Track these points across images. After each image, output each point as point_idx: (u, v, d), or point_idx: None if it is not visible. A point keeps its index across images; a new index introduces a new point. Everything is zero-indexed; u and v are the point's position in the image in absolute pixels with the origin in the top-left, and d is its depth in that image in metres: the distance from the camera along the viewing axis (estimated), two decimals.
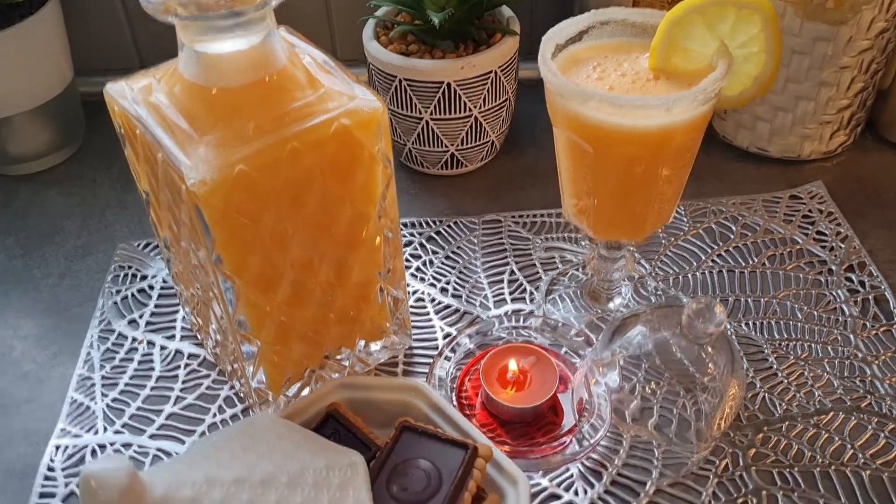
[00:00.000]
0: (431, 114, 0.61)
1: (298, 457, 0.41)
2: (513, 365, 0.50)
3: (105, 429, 0.51)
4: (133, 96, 0.42)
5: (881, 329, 0.55)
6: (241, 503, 0.38)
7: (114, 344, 0.56)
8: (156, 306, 0.58)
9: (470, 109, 0.61)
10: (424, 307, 0.57)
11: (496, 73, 0.60)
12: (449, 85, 0.59)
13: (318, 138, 0.41)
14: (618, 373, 0.48)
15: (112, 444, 0.50)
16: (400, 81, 0.60)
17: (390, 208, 0.47)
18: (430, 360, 0.53)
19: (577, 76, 0.45)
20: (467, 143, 0.64)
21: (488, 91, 0.61)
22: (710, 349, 0.46)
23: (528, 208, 0.64)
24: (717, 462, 0.48)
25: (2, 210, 0.67)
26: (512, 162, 0.69)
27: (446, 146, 0.64)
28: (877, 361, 0.53)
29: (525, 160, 0.69)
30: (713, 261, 0.60)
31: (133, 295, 0.59)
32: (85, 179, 0.70)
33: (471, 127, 0.63)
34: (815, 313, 0.56)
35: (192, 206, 0.39)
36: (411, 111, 0.61)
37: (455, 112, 0.61)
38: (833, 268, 0.59)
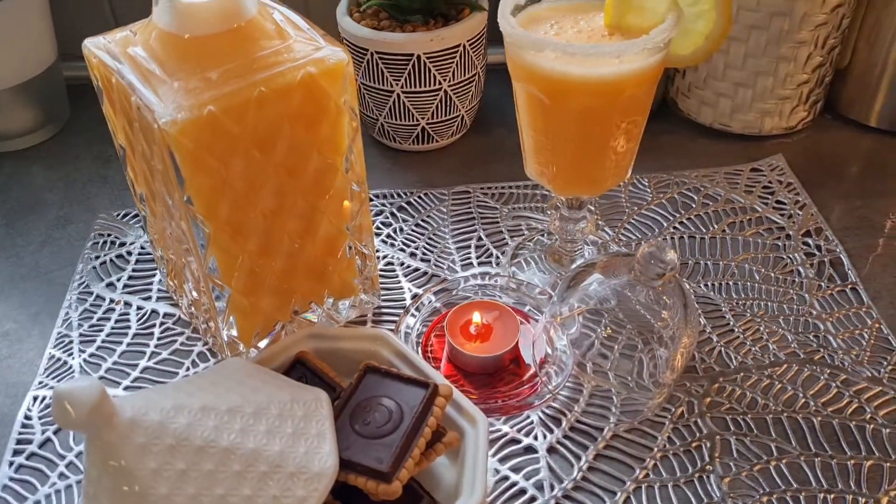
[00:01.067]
0: (402, 87, 0.63)
1: (265, 391, 0.43)
2: (476, 317, 0.52)
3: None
4: (110, 49, 0.44)
5: (836, 289, 0.56)
6: (206, 429, 0.39)
7: (92, 305, 0.58)
8: (133, 270, 0.60)
9: (440, 83, 0.63)
10: (394, 270, 0.59)
11: (464, 46, 0.63)
12: (419, 57, 0.62)
13: (284, 84, 0.43)
14: (577, 326, 0.50)
15: None
16: (372, 55, 0.62)
17: (356, 162, 0.49)
18: (397, 318, 0.55)
19: (535, 32, 0.47)
20: (438, 117, 0.66)
21: (457, 65, 0.63)
22: (665, 298, 0.47)
23: (497, 181, 0.66)
24: (674, 410, 0.49)
25: None
26: (481, 140, 0.71)
27: (417, 120, 0.66)
28: (831, 319, 0.55)
29: (494, 139, 0.71)
30: (675, 228, 0.62)
31: (111, 260, 0.61)
32: (68, 157, 0.72)
33: (441, 100, 0.65)
34: (773, 275, 0.58)
35: (164, 147, 0.41)
36: (383, 84, 0.63)
37: (425, 85, 0.63)
38: (791, 233, 0.61)
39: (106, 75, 0.44)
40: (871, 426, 0.48)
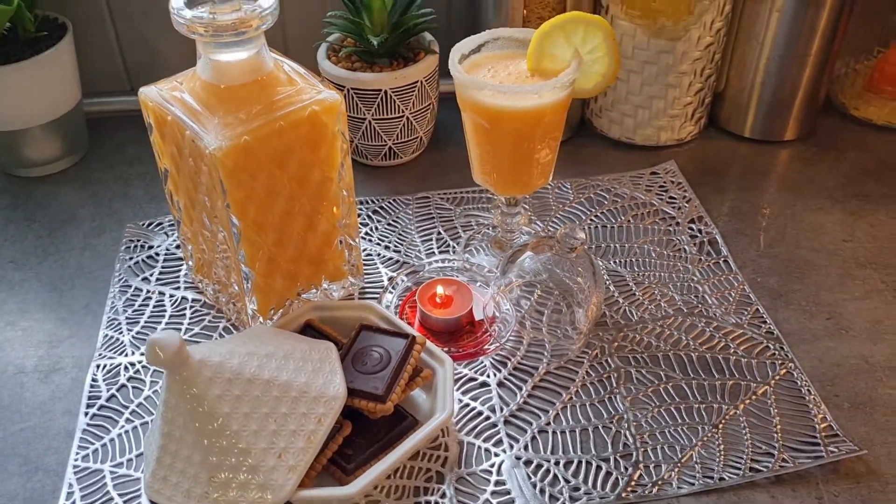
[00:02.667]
0: (373, 115, 0.80)
1: (289, 342, 0.59)
2: (440, 290, 0.68)
3: (133, 352, 0.67)
4: (163, 94, 0.59)
5: (712, 262, 0.74)
6: (252, 367, 0.55)
7: (132, 295, 0.72)
8: (162, 267, 0.75)
9: (402, 111, 0.80)
10: (373, 260, 0.75)
11: (422, 82, 0.79)
12: (386, 92, 0.78)
13: (296, 119, 0.58)
14: (517, 293, 0.66)
15: (140, 362, 0.66)
16: (348, 91, 0.78)
17: (346, 174, 0.65)
18: (378, 295, 0.71)
19: (477, 75, 0.64)
20: (401, 138, 0.82)
21: (416, 96, 0.80)
22: (579, 268, 0.64)
23: (451, 188, 0.83)
24: (590, 353, 0.66)
25: (25, 202, 0.83)
26: (437, 155, 0.88)
27: (385, 140, 0.82)
28: (707, 283, 0.72)
29: (447, 154, 0.88)
30: (591, 220, 0.79)
31: (143, 260, 0.75)
32: (92, 179, 0.86)
33: (403, 125, 0.81)
34: (665, 252, 0.75)
35: (213, 167, 0.56)
36: (357, 113, 0.80)
37: (391, 113, 0.80)
38: (679, 221, 0.78)
39: (160, 114, 0.60)
40: (734, 358, 0.65)
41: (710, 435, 0.60)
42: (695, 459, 0.58)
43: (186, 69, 0.61)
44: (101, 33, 0.90)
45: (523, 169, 0.66)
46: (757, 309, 0.69)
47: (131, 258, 0.76)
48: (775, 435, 0.60)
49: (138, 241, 0.77)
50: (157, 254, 0.76)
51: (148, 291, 0.72)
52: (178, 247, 0.75)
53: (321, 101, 0.59)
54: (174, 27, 0.56)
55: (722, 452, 0.59)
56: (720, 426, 0.60)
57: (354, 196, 0.67)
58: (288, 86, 0.60)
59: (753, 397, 0.62)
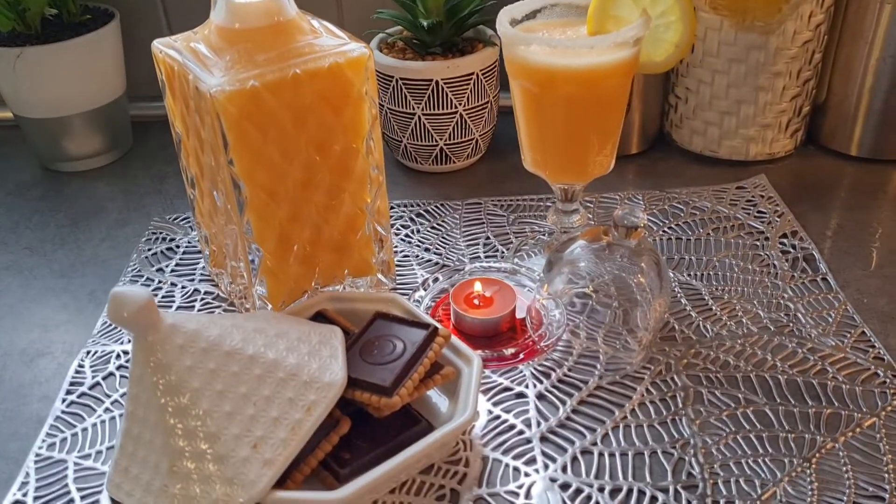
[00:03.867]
0: (423, 109, 0.72)
1: (287, 322, 0.50)
2: (478, 287, 0.58)
3: (128, 340, 0.60)
4: (175, 45, 0.54)
5: (808, 279, 0.62)
6: (234, 339, 0.46)
7: (142, 284, 0.65)
8: (180, 259, 0.68)
9: (455, 106, 0.72)
10: (409, 262, 0.66)
11: (478, 75, 0.72)
12: (437, 83, 0.71)
13: (315, 69, 0.51)
14: (567, 294, 0.56)
15: None
16: (396, 81, 0.72)
17: (375, 148, 0.57)
18: (408, 294, 0.61)
19: None
20: (454, 139, 0.75)
21: (471, 91, 0.72)
22: (642, 264, 0.54)
23: (507, 195, 0.74)
24: (653, 369, 0.55)
25: (56, 195, 0.78)
26: (495, 164, 0.79)
27: (436, 140, 0.74)
28: (802, 301, 0.60)
29: (507, 164, 0.79)
30: (664, 231, 0.68)
31: (162, 251, 0.69)
32: (128, 176, 0.81)
33: (457, 123, 0.73)
34: (750, 267, 0.63)
35: (214, 114, 0.49)
36: (406, 107, 0.72)
37: (443, 108, 0.72)
38: (769, 236, 0.67)
39: (170, 66, 0.54)
40: (832, 384, 0.53)
41: (800, 470, 0.47)
42: (779, 497, 0.46)
43: None
44: (156, 32, 0.87)
45: (578, 146, 0.56)
46: (863, 332, 0.57)
47: (150, 249, 0.69)
48: (886, 476, 0.47)
49: (161, 233, 0.71)
50: (178, 246, 0.70)
51: (160, 282, 0.65)
52: (197, 229, 0.69)
53: (345, 52, 0.52)
54: None
55: (815, 491, 0.46)
56: (814, 460, 0.48)
57: (384, 175, 0.59)
58: (310, 34, 0.53)
59: (858, 430, 0.50)
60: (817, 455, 0.48)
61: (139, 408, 0.45)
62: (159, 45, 0.55)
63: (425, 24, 0.69)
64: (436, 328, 0.51)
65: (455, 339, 0.52)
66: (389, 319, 0.52)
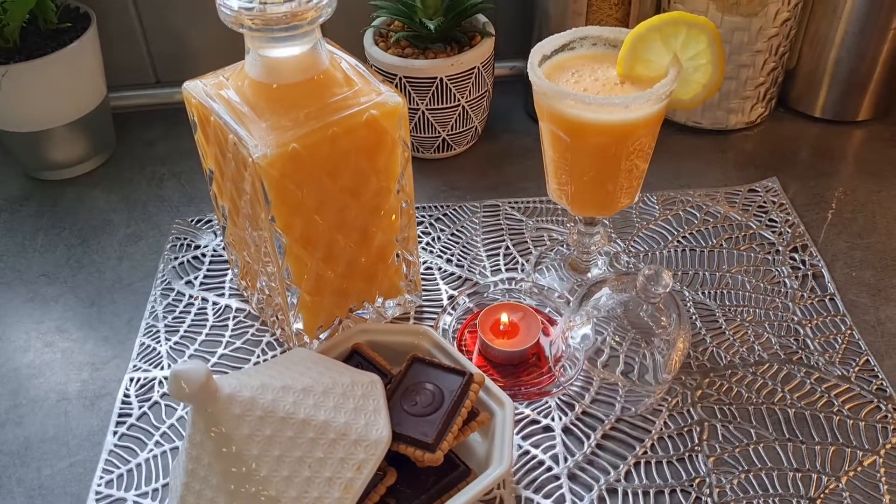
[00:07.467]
0: (427, 105, 0.74)
1: (329, 375, 0.52)
2: (504, 317, 0.61)
3: (169, 365, 0.62)
4: (207, 91, 0.54)
5: (816, 300, 0.65)
6: (287, 403, 0.49)
7: (174, 300, 0.67)
8: (208, 270, 0.70)
9: (458, 100, 0.74)
10: (432, 274, 0.68)
11: (479, 68, 0.74)
12: (441, 80, 0.72)
13: (352, 125, 0.52)
14: (591, 328, 0.59)
15: None
16: (400, 79, 0.73)
17: (407, 184, 0.58)
18: (436, 316, 0.64)
19: (559, 80, 0.56)
20: (456, 129, 0.77)
21: (472, 84, 0.74)
22: (661, 306, 0.56)
23: (507, 182, 0.77)
24: (670, 400, 0.58)
25: (52, 209, 0.78)
26: (492, 145, 0.83)
27: (439, 132, 0.76)
28: (810, 325, 0.63)
29: (501, 143, 0.83)
30: (678, 241, 0.70)
31: (188, 261, 0.70)
32: (123, 180, 0.81)
33: (459, 115, 0.76)
34: (762, 285, 0.66)
35: (256, 176, 0.50)
36: (410, 104, 0.74)
37: (446, 102, 0.74)
38: (780, 249, 0.69)
39: (204, 113, 0.54)
40: (837, 417, 0.57)
41: None
42: None
43: (215, 60, 0.55)
44: (125, 22, 0.85)
45: (605, 188, 0.58)
46: (867, 360, 0.60)
47: (176, 258, 0.71)
48: None
49: (185, 238, 0.73)
50: (204, 255, 0.71)
51: (191, 297, 0.67)
52: (225, 248, 0.70)
53: (381, 104, 0.53)
54: (219, 18, 0.50)
55: None
56: (818, 501, 0.52)
57: (414, 207, 0.60)
58: (345, 86, 0.53)
59: (859, 468, 0.54)
60: (822, 496, 0.52)
61: (200, 468, 0.48)
62: (190, 89, 0.55)
63: (431, 25, 0.70)
64: (471, 375, 0.54)
65: (488, 381, 0.55)
66: (425, 364, 0.55)
